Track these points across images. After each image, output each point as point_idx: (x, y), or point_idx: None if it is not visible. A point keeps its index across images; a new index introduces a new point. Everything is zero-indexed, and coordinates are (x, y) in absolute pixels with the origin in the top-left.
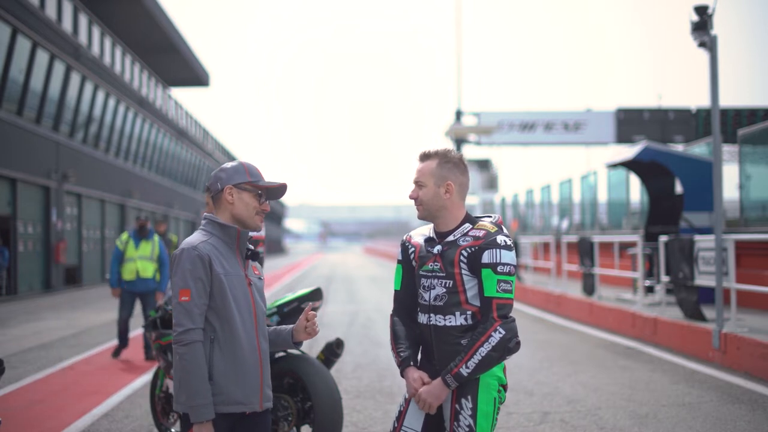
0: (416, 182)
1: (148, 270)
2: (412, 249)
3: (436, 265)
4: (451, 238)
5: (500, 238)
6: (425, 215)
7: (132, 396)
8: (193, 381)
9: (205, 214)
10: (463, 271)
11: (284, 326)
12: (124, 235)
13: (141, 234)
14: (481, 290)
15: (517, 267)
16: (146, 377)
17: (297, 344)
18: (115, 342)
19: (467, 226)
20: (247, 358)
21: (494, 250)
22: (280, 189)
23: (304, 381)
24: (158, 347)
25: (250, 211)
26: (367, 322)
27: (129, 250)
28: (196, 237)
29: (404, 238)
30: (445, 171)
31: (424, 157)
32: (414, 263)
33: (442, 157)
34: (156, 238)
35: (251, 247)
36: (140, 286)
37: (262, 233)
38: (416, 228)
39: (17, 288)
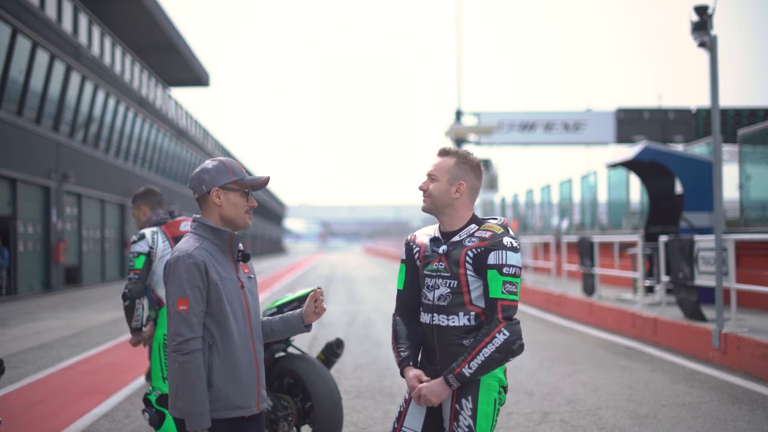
0: (429, 174)
1: None
2: (417, 249)
3: (441, 265)
4: (456, 238)
5: (506, 240)
6: (430, 208)
7: (132, 396)
8: (192, 389)
9: (194, 216)
10: (468, 272)
11: (290, 313)
12: None
13: None
14: (486, 291)
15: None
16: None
17: (307, 327)
18: (111, 344)
19: (473, 226)
20: (243, 361)
21: (500, 251)
22: (265, 183)
23: (304, 381)
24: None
25: (239, 211)
26: (367, 322)
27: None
28: (189, 243)
29: (409, 237)
30: (461, 171)
31: (444, 153)
32: (418, 263)
33: (461, 157)
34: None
35: (241, 248)
36: None
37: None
38: (418, 228)
39: (17, 288)
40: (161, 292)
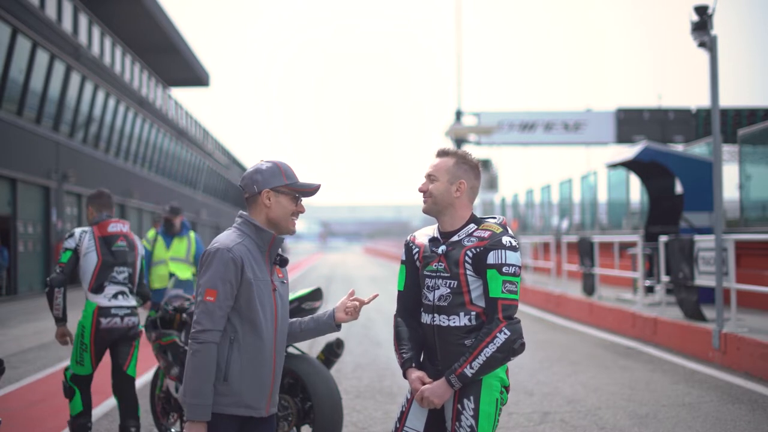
0: (429, 176)
1: (186, 274)
2: (416, 249)
3: (441, 266)
4: (455, 238)
5: (505, 239)
6: (431, 209)
7: None
8: (197, 379)
9: (240, 212)
10: (468, 272)
11: (321, 312)
12: (151, 233)
13: (170, 231)
14: (486, 291)
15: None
16: (146, 377)
17: (338, 326)
18: None
19: (472, 226)
20: (263, 363)
21: (499, 251)
22: (316, 190)
23: (304, 381)
24: (158, 347)
25: (287, 215)
26: (367, 322)
27: (158, 250)
28: (230, 237)
29: (408, 238)
30: (461, 171)
31: (443, 153)
32: (418, 263)
33: (460, 157)
34: (192, 234)
35: (279, 252)
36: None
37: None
38: (418, 228)
39: (17, 288)
40: (85, 285)
